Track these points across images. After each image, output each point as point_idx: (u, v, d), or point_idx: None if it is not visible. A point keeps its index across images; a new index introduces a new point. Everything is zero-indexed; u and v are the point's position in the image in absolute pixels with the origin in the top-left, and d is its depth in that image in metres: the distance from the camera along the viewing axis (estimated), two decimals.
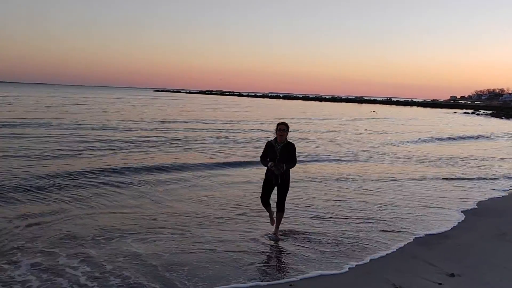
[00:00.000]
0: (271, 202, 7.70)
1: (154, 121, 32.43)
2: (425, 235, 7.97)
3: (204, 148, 18.97)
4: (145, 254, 6.55)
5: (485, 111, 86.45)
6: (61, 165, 13.39)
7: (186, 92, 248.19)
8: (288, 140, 7.47)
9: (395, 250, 7.14)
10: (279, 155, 7.31)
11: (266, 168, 7.47)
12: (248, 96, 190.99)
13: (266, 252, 6.98)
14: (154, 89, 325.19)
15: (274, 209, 7.67)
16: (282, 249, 7.09)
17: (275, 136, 7.43)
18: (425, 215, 9.31)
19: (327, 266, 6.35)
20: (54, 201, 9.39)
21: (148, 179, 12.00)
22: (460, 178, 13.86)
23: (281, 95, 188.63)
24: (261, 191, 7.66)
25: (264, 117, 43.72)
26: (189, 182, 12.03)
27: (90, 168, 12.92)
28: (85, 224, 7.92)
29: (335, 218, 8.88)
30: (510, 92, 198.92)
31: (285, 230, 7.88)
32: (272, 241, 7.39)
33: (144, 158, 15.37)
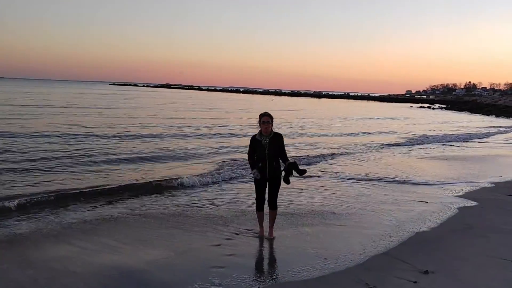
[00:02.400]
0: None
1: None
2: (393, 232, 7.72)
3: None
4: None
5: (440, 105, 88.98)
6: None
7: (144, 86, 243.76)
8: (275, 131, 6.90)
9: (365, 248, 6.83)
10: (268, 149, 6.73)
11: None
12: (208, 90, 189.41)
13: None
14: (111, 83, 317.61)
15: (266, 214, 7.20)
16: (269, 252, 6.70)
17: (259, 129, 6.83)
18: (387, 211, 9.10)
19: (300, 268, 5.97)
20: None
21: None
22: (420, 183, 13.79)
23: (241, 90, 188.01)
24: (255, 194, 7.06)
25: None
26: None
27: None
28: None
29: (298, 220, 8.53)
30: (462, 87, 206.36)
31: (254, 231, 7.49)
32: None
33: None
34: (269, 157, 6.69)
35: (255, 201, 7.08)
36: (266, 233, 7.15)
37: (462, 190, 11.39)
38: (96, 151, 15.26)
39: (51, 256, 6.13)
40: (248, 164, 7.13)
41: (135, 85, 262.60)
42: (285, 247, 6.76)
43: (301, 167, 6.74)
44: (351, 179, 12.53)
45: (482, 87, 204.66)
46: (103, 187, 10.07)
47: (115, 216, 8.10)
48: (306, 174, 6.88)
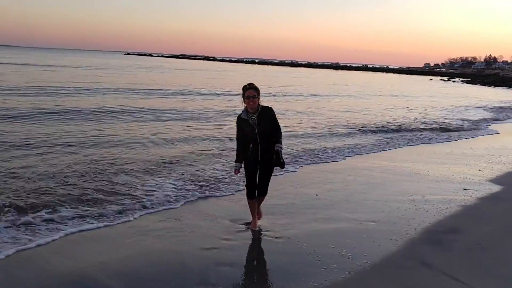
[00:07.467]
0: None
1: None
2: (428, 227, 6.24)
3: None
4: None
5: (461, 79, 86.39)
6: None
7: (158, 56, 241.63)
8: (262, 105, 5.68)
9: (397, 253, 5.37)
10: (258, 127, 5.55)
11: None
12: (222, 61, 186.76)
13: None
14: (125, 53, 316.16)
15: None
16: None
17: (244, 106, 5.65)
18: (418, 201, 7.61)
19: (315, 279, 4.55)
20: None
21: None
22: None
23: (256, 60, 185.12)
24: (245, 179, 5.90)
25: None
26: None
27: None
28: None
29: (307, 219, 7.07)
30: (481, 60, 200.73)
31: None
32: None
33: None
34: (260, 137, 5.61)
35: (245, 187, 5.97)
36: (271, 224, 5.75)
37: (489, 172, 9.89)
38: None
39: None
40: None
41: (150, 55, 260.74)
42: (302, 252, 5.32)
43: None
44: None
45: (503, 61, 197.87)
46: None
47: None
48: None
